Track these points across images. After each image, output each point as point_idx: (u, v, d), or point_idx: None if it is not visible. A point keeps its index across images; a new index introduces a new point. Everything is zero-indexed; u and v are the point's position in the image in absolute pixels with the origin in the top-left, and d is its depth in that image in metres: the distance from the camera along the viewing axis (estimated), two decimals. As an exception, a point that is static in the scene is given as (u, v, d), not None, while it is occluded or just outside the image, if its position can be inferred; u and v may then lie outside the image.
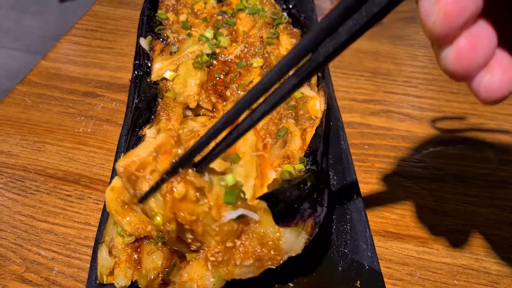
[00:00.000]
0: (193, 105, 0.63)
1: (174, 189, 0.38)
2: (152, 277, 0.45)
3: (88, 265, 0.51)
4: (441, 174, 0.63)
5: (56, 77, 0.80)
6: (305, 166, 0.50)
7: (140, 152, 0.40)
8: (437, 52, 0.26)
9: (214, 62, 0.70)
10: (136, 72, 0.68)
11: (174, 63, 0.68)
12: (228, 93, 0.66)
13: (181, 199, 0.38)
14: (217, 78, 0.67)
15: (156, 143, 0.40)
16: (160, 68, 0.67)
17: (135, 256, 0.48)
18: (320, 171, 0.50)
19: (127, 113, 0.68)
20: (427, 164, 0.64)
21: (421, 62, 0.84)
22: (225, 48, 0.72)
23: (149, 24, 0.76)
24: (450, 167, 0.64)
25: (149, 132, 0.57)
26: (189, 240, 0.42)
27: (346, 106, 0.74)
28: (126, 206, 0.47)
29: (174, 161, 0.39)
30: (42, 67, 0.82)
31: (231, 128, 0.34)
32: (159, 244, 0.46)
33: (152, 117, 0.60)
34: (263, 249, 0.42)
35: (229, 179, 0.40)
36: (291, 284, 0.49)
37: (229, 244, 0.41)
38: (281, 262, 0.43)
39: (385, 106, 0.74)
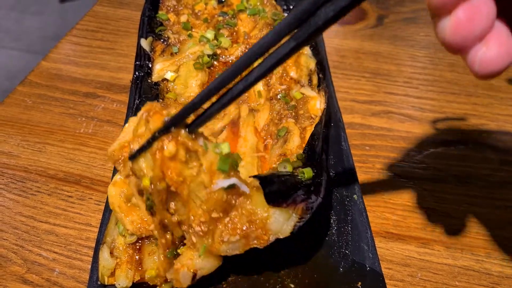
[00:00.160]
0: (194, 106, 0.63)
1: (165, 147, 0.37)
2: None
3: (89, 266, 0.51)
4: (442, 175, 0.63)
5: (57, 77, 0.80)
6: (303, 163, 0.50)
7: (122, 136, 0.40)
8: (436, 23, 0.26)
9: (215, 63, 0.70)
10: (137, 73, 0.68)
11: (175, 64, 0.68)
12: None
13: (170, 158, 0.38)
14: (218, 79, 0.67)
15: (144, 108, 0.40)
16: (161, 69, 0.67)
17: (136, 257, 0.48)
18: (318, 166, 0.50)
19: (128, 114, 0.68)
20: (428, 165, 0.64)
21: (421, 63, 0.84)
22: (226, 49, 0.72)
23: (150, 24, 0.76)
24: (451, 167, 0.64)
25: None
26: (172, 211, 0.41)
27: (347, 107, 0.74)
28: (129, 204, 0.47)
29: (166, 120, 0.38)
30: (43, 68, 0.82)
31: (225, 90, 0.34)
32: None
33: (153, 118, 0.60)
34: (251, 227, 0.41)
35: (224, 147, 0.40)
36: (292, 285, 0.49)
37: (214, 214, 0.40)
38: (268, 242, 0.43)
39: (386, 107, 0.74)
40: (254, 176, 0.43)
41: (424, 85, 0.79)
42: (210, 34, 0.72)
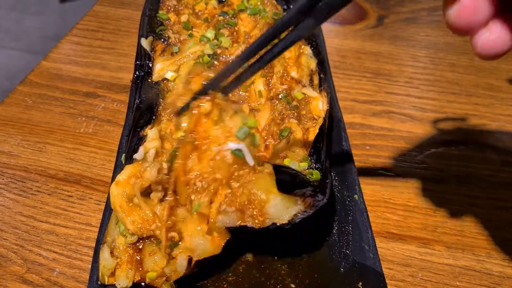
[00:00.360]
0: (194, 105, 0.63)
1: (203, 105, 0.44)
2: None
3: (90, 266, 0.51)
4: (442, 175, 0.63)
5: (57, 77, 0.80)
6: (309, 165, 0.51)
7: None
8: (445, 11, 0.30)
9: (216, 62, 0.69)
10: (137, 73, 0.67)
11: (175, 64, 0.68)
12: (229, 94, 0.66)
13: (205, 115, 0.45)
14: (219, 79, 0.67)
15: (187, 70, 0.50)
16: (162, 69, 0.67)
17: (137, 256, 0.47)
18: (324, 169, 0.51)
19: (128, 114, 0.68)
20: (428, 165, 0.64)
21: (422, 63, 0.84)
22: (227, 48, 0.72)
23: (150, 24, 0.76)
24: (452, 168, 0.64)
25: (150, 132, 0.57)
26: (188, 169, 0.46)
27: (348, 107, 0.74)
28: (130, 204, 0.47)
29: (204, 83, 0.45)
30: (43, 68, 0.82)
31: (254, 59, 0.41)
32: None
33: (154, 117, 0.60)
34: (249, 205, 0.43)
35: (251, 121, 0.46)
36: (293, 285, 0.49)
37: (218, 175, 0.44)
38: (263, 224, 0.44)
39: (387, 107, 0.74)
40: (268, 162, 0.45)
41: (425, 85, 0.79)
42: (210, 34, 0.72)
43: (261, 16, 0.77)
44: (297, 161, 0.52)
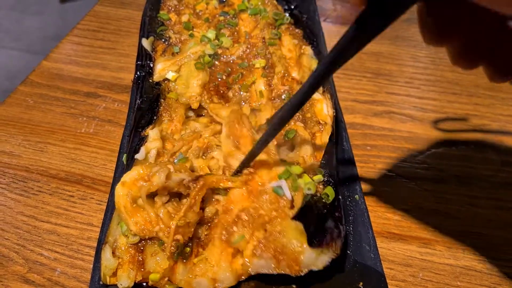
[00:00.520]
0: (195, 106, 0.63)
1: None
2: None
3: (91, 266, 0.51)
4: (443, 175, 0.63)
5: (58, 77, 0.80)
6: (323, 177, 0.52)
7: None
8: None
9: (216, 62, 0.70)
10: (138, 73, 0.68)
11: (176, 64, 0.68)
12: (230, 94, 0.66)
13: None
14: (219, 79, 0.67)
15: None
16: (162, 69, 0.67)
17: (139, 257, 0.48)
18: (336, 183, 0.53)
19: (129, 114, 0.68)
20: (429, 165, 0.64)
21: (423, 63, 0.84)
22: (227, 48, 0.72)
23: (151, 24, 0.76)
24: (453, 168, 0.64)
25: (151, 133, 0.57)
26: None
27: (348, 107, 0.74)
28: (134, 205, 0.47)
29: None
30: (44, 68, 0.82)
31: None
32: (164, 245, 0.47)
33: (155, 117, 0.60)
34: (283, 255, 0.45)
35: (295, 168, 0.51)
36: (294, 286, 0.49)
37: (261, 212, 0.48)
38: (299, 273, 0.45)
39: (387, 107, 0.74)
40: (295, 218, 0.47)
41: (426, 85, 0.79)
42: (211, 34, 0.72)
43: (262, 16, 0.77)
44: (307, 172, 0.53)
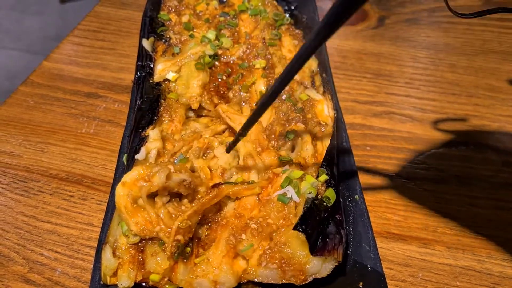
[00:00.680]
0: (195, 106, 0.63)
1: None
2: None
3: (91, 266, 0.51)
4: (443, 176, 0.63)
5: (59, 78, 0.80)
6: (327, 176, 0.52)
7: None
8: None
9: (217, 63, 0.70)
10: (138, 73, 0.68)
11: (177, 64, 0.68)
12: (230, 94, 0.66)
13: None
14: (220, 79, 0.68)
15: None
16: (163, 69, 0.67)
17: (139, 257, 0.48)
18: (337, 184, 0.53)
19: (130, 114, 0.68)
20: (429, 166, 0.64)
21: (423, 64, 0.84)
22: (228, 49, 0.72)
23: (152, 25, 0.76)
24: (453, 168, 0.64)
25: (152, 133, 0.58)
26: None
27: (348, 107, 0.74)
28: (135, 205, 0.47)
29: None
30: (45, 68, 0.82)
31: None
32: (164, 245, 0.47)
33: (155, 118, 0.60)
34: (289, 265, 0.46)
35: (297, 173, 0.52)
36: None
37: (269, 221, 0.49)
38: (306, 282, 0.46)
39: (387, 107, 0.74)
40: (298, 230, 0.47)
41: (426, 85, 0.79)
42: (211, 35, 0.72)
43: (262, 16, 0.77)
44: (308, 172, 0.53)
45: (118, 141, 0.66)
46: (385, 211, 0.59)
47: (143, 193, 0.47)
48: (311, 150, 0.56)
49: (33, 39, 2.37)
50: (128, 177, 0.48)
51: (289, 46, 0.73)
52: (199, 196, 0.51)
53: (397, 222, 0.57)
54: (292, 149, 0.57)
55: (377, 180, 0.62)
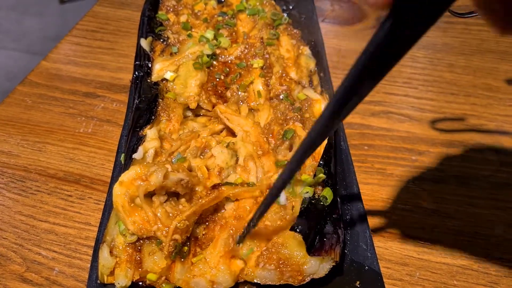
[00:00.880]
0: (193, 105, 0.63)
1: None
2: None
3: (89, 265, 0.51)
4: (441, 176, 0.63)
5: (57, 77, 0.80)
6: (325, 175, 0.52)
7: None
8: None
9: (215, 63, 0.70)
10: (136, 73, 0.68)
11: (175, 64, 0.68)
12: (228, 94, 0.66)
13: None
14: (218, 79, 0.68)
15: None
16: (161, 69, 0.67)
17: (137, 256, 0.48)
18: (334, 183, 0.53)
19: (128, 114, 0.68)
20: (427, 165, 0.64)
21: (421, 64, 0.84)
22: (226, 49, 0.72)
23: (150, 25, 0.77)
24: (451, 168, 0.64)
25: (149, 132, 0.58)
26: None
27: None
28: (132, 204, 0.47)
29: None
30: (43, 68, 0.82)
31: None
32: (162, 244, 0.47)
33: (153, 117, 0.60)
34: (286, 266, 0.46)
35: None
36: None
37: (267, 222, 0.48)
38: (304, 282, 0.46)
39: (385, 107, 0.74)
40: (295, 230, 0.47)
41: (424, 85, 0.79)
42: (209, 34, 0.72)
43: (260, 16, 0.77)
44: (304, 171, 0.53)
45: (116, 140, 0.66)
46: (383, 210, 0.59)
47: (140, 193, 0.47)
48: None
49: (33, 39, 2.37)
50: (125, 176, 0.48)
51: (287, 46, 0.73)
52: (197, 195, 0.51)
53: (395, 221, 0.57)
54: (290, 148, 0.57)
55: (374, 180, 0.62)
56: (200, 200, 0.49)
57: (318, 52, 0.73)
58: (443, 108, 0.74)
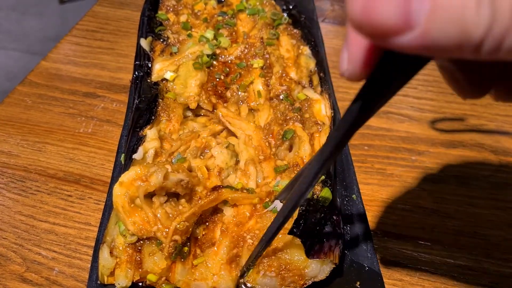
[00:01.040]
0: (193, 106, 0.63)
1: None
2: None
3: (89, 265, 0.51)
4: (441, 176, 0.63)
5: (57, 77, 0.80)
6: (324, 176, 0.52)
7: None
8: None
9: (215, 62, 0.70)
10: (136, 73, 0.68)
11: (175, 64, 0.68)
12: (228, 94, 0.66)
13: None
14: (218, 79, 0.68)
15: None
16: (161, 69, 0.67)
17: (137, 256, 0.48)
18: (334, 184, 0.53)
19: (128, 114, 0.68)
20: (427, 165, 0.64)
21: (421, 63, 0.84)
22: (226, 48, 0.72)
23: (150, 24, 0.76)
24: (451, 168, 0.64)
25: (149, 132, 0.58)
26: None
27: (346, 107, 0.74)
28: (132, 205, 0.47)
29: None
30: (43, 68, 0.82)
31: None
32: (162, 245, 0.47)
33: (153, 117, 0.60)
34: (288, 272, 0.46)
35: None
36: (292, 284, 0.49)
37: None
38: (305, 285, 0.46)
39: (385, 107, 0.74)
40: (294, 234, 0.46)
41: (424, 85, 0.79)
42: (209, 34, 0.72)
43: (260, 16, 0.77)
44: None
45: (116, 140, 0.66)
46: (383, 210, 0.59)
47: (140, 193, 0.47)
48: (308, 150, 0.56)
49: (33, 39, 2.37)
50: (125, 177, 0.48)
51: (287, 46, 0.73)
52: (197, 196, 0.51)
53: (395, 221, 0.57)
54: (290, 148, 0.57)
55: (374, 180, 0.62)
56: (199, 201, 0.49)
57: (318, 52, 0.73)
58: (443, 108, 0.74)
